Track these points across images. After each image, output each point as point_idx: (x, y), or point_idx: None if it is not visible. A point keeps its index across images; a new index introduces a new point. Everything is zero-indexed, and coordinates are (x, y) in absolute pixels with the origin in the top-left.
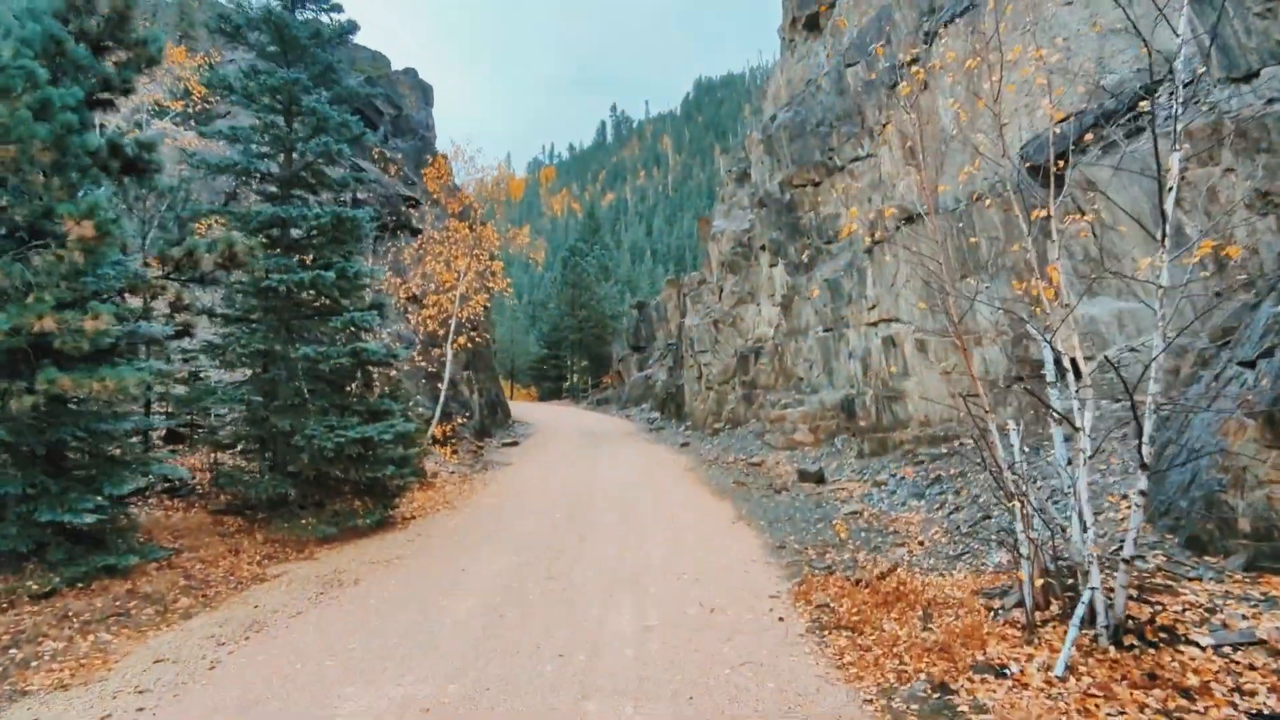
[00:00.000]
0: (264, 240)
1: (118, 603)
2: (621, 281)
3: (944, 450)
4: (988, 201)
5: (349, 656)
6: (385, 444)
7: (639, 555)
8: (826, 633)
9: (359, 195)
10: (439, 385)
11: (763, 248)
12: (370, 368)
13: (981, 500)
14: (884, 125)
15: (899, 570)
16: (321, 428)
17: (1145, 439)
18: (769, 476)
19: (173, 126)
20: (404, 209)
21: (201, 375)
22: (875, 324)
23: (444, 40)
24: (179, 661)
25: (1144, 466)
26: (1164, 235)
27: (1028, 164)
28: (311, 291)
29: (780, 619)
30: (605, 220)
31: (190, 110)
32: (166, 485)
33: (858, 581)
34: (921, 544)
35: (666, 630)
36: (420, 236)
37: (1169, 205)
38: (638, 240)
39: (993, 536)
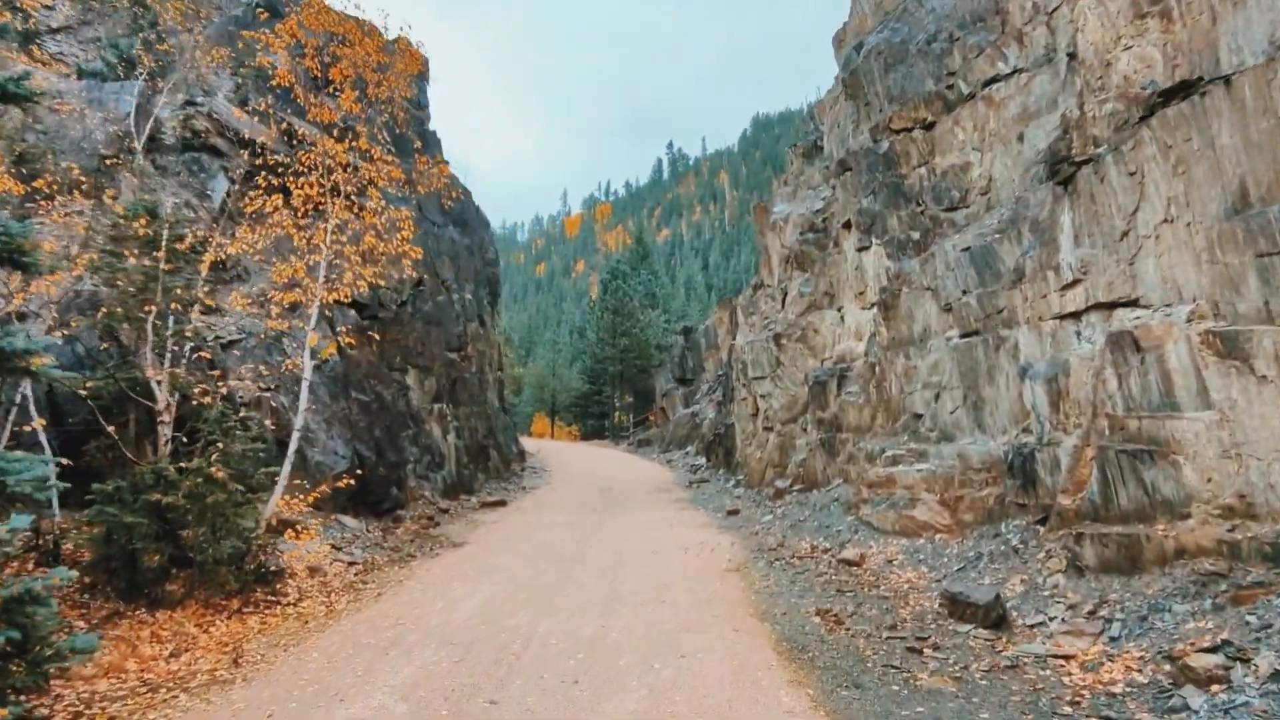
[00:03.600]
0: None
1: None
2: (675, 315)
3: None
4: None
5: None
6: None
7: None
8: None
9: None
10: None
11: (846, 226)
12: None
13: None
14: None
15: None
16: None
17: None
18: (881, 596)
19: None
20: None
21: None
22: (1080, 313)
23: (500, 86)
24: None
25: None
26: None
27: None
28: None
29: None
30: (660, 255)
31: None
32: None
33: None
34: None
35: None
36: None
37: None
38: (693, 275)
39: None
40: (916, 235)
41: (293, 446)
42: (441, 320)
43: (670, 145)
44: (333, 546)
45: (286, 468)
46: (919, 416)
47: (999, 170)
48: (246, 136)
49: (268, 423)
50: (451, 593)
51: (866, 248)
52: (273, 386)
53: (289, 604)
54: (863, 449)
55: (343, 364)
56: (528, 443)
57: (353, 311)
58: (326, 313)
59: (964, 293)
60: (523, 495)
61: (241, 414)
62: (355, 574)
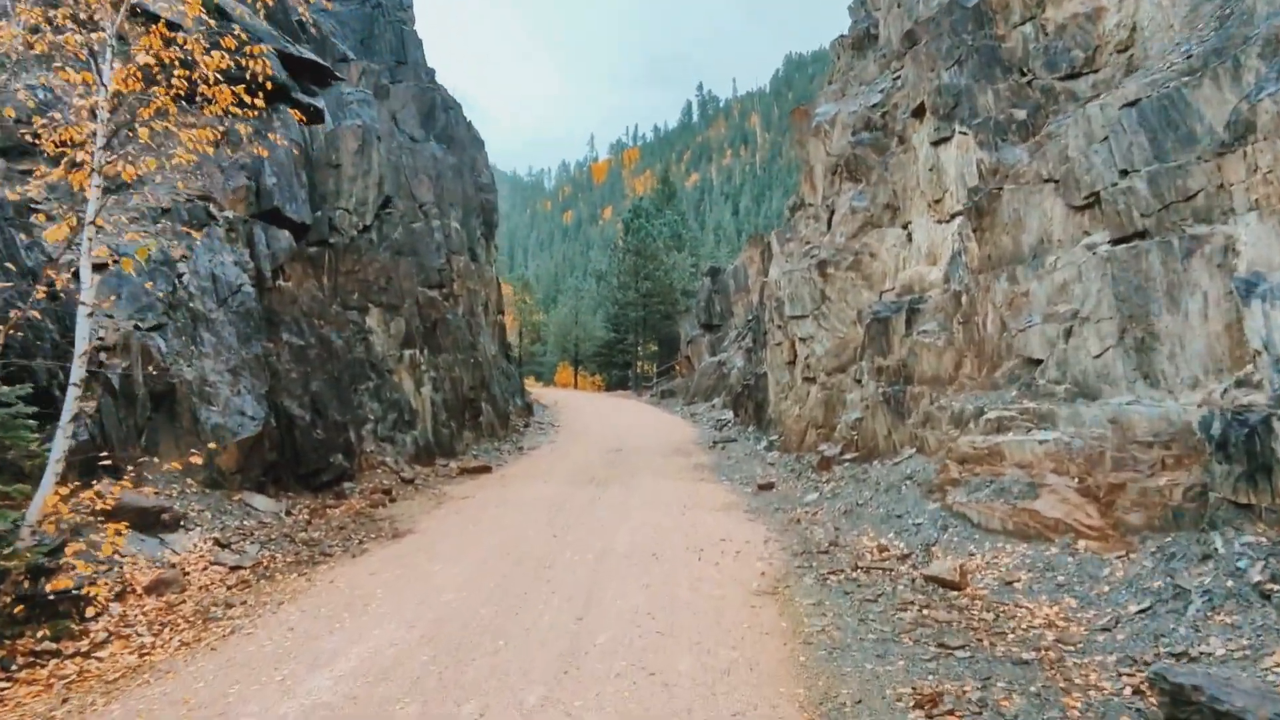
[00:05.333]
0: None
1: None
2: (703, 258)
3: None
4: None
5: None
6: None
7: None
8: None
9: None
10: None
11: (917, 113)
12: None
13: None
14: None
15: None
16: None
17: None
18: (1015, 657)
19: None
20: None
21: None
22: None
23: (525, 32)
24: None
25: None
26: None
27: None
28: None
29: None
30: (689, 200)
31: None
32: None
33: None
34: None
35: None
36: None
37: None
38: (723, 220)
39: None
40: (1022, 114)
41: (67, 412)
42: (417, 250)
43: (700, 87)
44: (216, 542)
45: (59, 444)
46: (1035, 363)
47: (1147, 13)
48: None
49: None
50: (327, 638)
51: (947, 139)
52: (157, 324)
53: (78, 654)
54: (946, 408)
55: (263, 298)
56: (548, 394)
57: (286, 233)
58: (221, 225)
59: (1123, 174)
60: (515, 458)
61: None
62: (231, 587)
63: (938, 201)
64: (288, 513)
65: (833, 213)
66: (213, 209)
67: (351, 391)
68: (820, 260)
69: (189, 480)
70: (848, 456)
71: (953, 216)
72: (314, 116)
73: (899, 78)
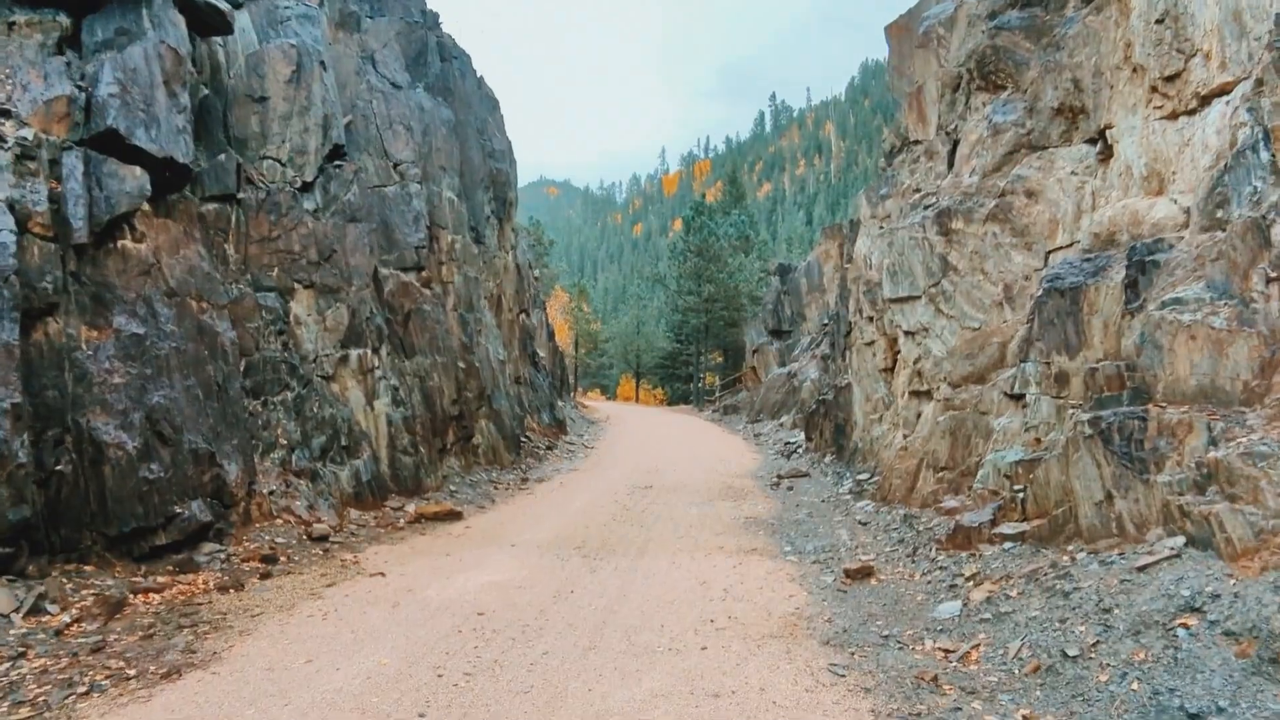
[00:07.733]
0: None
1: None
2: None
3: None
4: None
5: None
6: None
7: None
8: None
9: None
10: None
11: None
12: None
13: None
14: None
15: None
16: None
17: None
18: None
19: None
20: None
21: None
22: None
23: (600, 39)
24: None
25: None
26: None
27: None
28: None
29: None
30: (762, 210)
31: None
32: None
33: None
34: None
35: None
36: None
37: None
38: (796, 229)
39: None
40: None
41: None
42: (387, 221)
43: (773, 97)
44: None
45: None
46: None
47: None
48: None
49: None
50: None
51: None
52: None
53: None
54: (1266, 454)
55: (65, 261)
56: (604, 408)
57: (137, 170)
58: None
59: None
60: (507, 498)
61: None
62: None
63: (1172, 78)
64: (32, 611)
65: (956, 144)
66: (6, 127)
67: (251, 404)
68: (940, 211)
69: None
70: (1008, 529)
71: (1208, 97)
72: (213, 23)
73: None
